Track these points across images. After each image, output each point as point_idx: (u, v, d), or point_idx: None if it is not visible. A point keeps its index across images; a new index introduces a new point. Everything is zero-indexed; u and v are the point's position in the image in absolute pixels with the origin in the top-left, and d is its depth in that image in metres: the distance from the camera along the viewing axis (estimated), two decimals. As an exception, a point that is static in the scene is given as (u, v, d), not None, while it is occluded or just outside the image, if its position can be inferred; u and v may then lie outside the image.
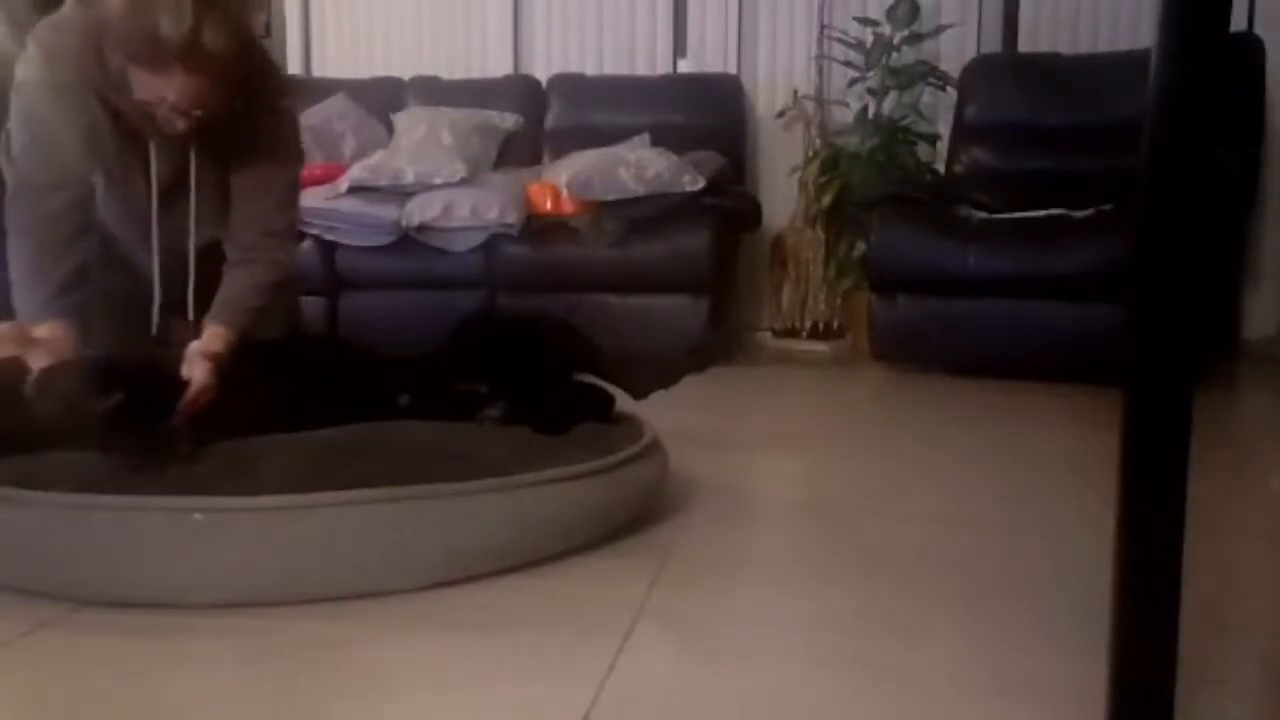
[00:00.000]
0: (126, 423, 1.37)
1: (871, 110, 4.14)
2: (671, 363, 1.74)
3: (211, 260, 1.82)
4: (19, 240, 1.66)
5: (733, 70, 4.52)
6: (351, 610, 1.25)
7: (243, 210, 1.82)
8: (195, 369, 1.53)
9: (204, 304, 1.75)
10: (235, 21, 1.61)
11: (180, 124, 1.68)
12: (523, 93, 4.38)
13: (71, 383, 1.41)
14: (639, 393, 1.74)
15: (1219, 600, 1.30)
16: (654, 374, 1.74)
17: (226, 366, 1.57)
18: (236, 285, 1.77)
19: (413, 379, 1.67)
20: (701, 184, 3.62)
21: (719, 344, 1.73)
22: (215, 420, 1.46)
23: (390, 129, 4.23)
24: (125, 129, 1.73)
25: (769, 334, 4.42)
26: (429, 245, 3.60)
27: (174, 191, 1.80)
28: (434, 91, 4.37)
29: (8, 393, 1.43)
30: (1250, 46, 3.67)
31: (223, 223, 1.82)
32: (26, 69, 1.70)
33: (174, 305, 1.83)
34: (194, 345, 1.61)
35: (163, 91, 1.62)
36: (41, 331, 1.57)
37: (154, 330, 1.78)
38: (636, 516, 1.59)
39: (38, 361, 1.48)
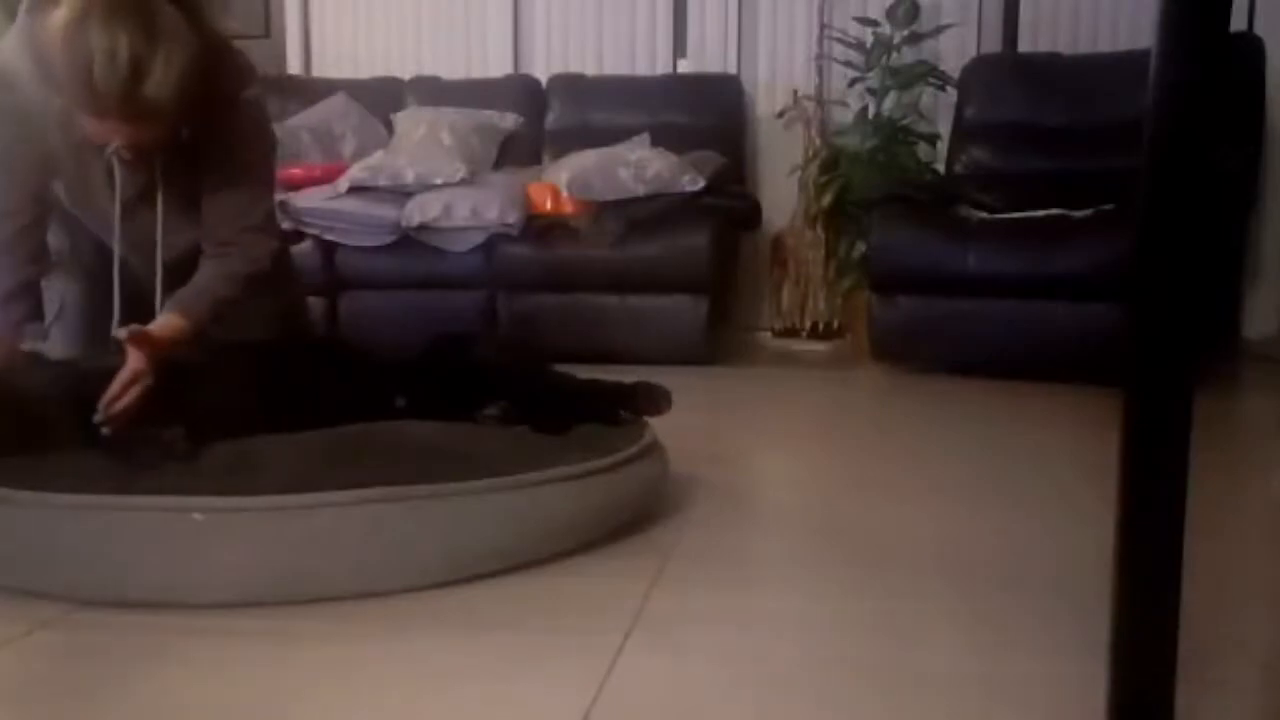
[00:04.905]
0: (65, 424, 1.37)
1: (871, 110, 4.14)
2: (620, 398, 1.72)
3: (192, 267, 1.76)
4: None
5: (733, 70, 4.52)
6: (351, 610, 1.25)
7: (217, 206, 1.75)
8: (129, 355, 1.46)
9: None
10: (181, 61, 1.49)
11: (129, 157, 1.62)
12: (523, 93, 4.38)
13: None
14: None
15: (1219, 600, 1.30)
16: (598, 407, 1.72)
17: (184, 356, 1.53)
18: (203, 275, 1.71)
19: (408, 381, 1.67)
20: (701, 184, 3.62)
21: (666, 395, 1.71)
22: (214, 421, 1.46)
23: (390, 129, 4.23)
24: (85, 146, 1.66)
25: (769, 334, 4.43)
26: (429, 245, 3.60)
27: (143, 201, 1.74)
28: (434, 91, 4.37)
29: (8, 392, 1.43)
30: (1250, 46, 3.67)
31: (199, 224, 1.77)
32: None
33: (146, 315, 1.74)
34: (120, 330, 1.53)
35: (107, 136, 1.56)
36: None
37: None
38: (636, 516, 1.59)
39: None
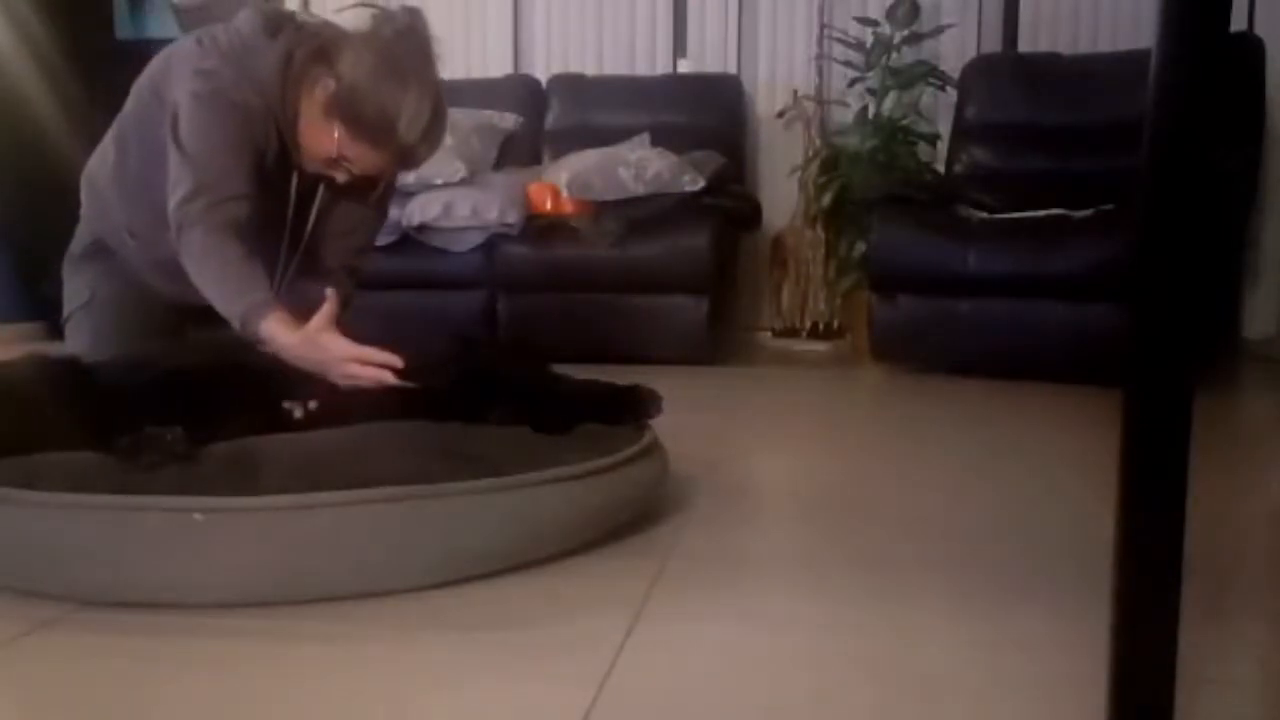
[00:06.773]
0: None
1: (871, 110, 4.14)
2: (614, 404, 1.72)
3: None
4: (218, 239, 1.66)
5: (733, 70, 4.52)
6: (351, 610, 1.25)
7: (336, 240, 1.94)
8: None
9: None
10: (445, 133, 1.77)
11: (340, 179, 1.79)
12: (523, 93, 4.39)
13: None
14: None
15: (1219, 599, 1.30)
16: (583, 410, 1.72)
17: (185, 357, 1.64)
18: (314, 292, 1.84)
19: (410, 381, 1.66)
20: (701, 184, 3.63)
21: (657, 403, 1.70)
22: (214, 421, 1.46)
23: (390, 129, 4.23)
24: (283, 152, 1.80)
25: (769, 334, 4.43)
26: (429, 245, 3.60)
27: (296, 215, 1.89)
28: (434, 91, 4.37)
29: (8, 392, 1.43)
30: (1250, 46, 3.67)
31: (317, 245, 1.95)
32: (212, 77, 1.72)
33: None
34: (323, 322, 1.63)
35: (356, 161, 1.74)
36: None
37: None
38: (636, 516, 1.59)
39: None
